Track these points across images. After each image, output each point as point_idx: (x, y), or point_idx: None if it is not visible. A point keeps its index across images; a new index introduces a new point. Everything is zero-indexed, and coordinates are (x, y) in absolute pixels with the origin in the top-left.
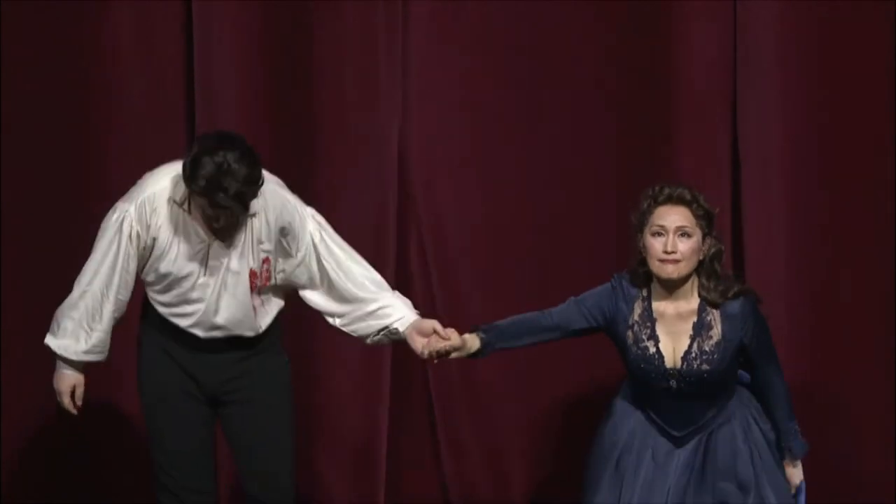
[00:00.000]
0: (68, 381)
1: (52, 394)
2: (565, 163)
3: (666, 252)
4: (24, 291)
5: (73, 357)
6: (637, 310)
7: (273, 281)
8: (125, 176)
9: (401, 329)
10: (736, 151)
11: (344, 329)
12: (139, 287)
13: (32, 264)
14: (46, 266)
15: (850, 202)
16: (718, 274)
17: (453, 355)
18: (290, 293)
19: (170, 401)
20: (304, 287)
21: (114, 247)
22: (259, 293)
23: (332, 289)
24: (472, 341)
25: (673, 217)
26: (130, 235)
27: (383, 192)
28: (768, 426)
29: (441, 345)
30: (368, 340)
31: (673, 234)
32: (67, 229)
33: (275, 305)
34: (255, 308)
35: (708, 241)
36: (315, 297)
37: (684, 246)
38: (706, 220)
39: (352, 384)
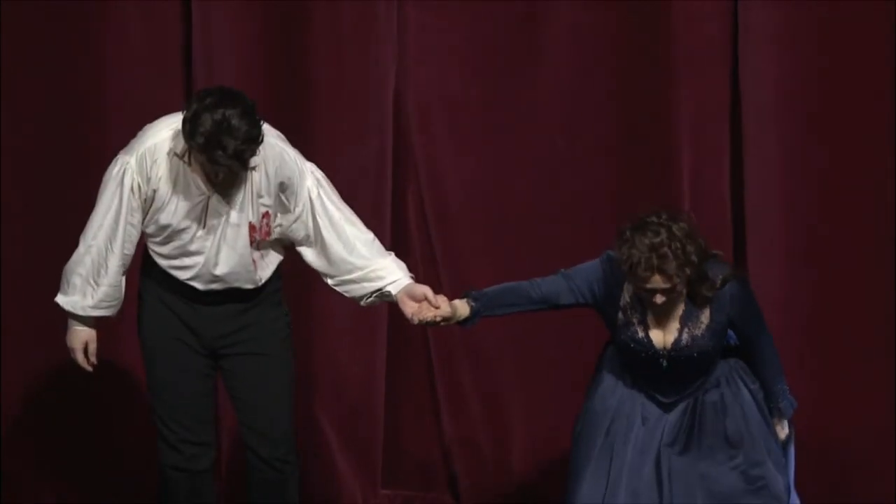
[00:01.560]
0: (81, 338)
1: (52, 362)
2: (565, 111)
3: (654, 304)
4: (25, 291)
5: (82, 312)
6: (627, 293)
7: (272, 236)
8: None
9: (393, 292)
10: (737, 138)
11: (337, 289)
12: (140, 240)
13: (31, 263)
14: (44, 264)
15: (850, 191)
16: (707, 277)
17: (442, 324)
18: (289, 246)
19: (169, 353)
20: (300, 244)
21: (116, 200)
22: (258, 247)
23: (324, 248)
24: (462, 308)
25: (654, 283)
26: (132, 188)
27: (381, 142)
28: (756, 385)
29: (430, 314)
30: (362, 302)
31: (659, 294)
32: (67, 230)
33: (274, 258)
34: (254, 261)
35: (693, 254)
36: (309, 255)
37: (671, 293)
38: (689, 267)
39: (349, 341)
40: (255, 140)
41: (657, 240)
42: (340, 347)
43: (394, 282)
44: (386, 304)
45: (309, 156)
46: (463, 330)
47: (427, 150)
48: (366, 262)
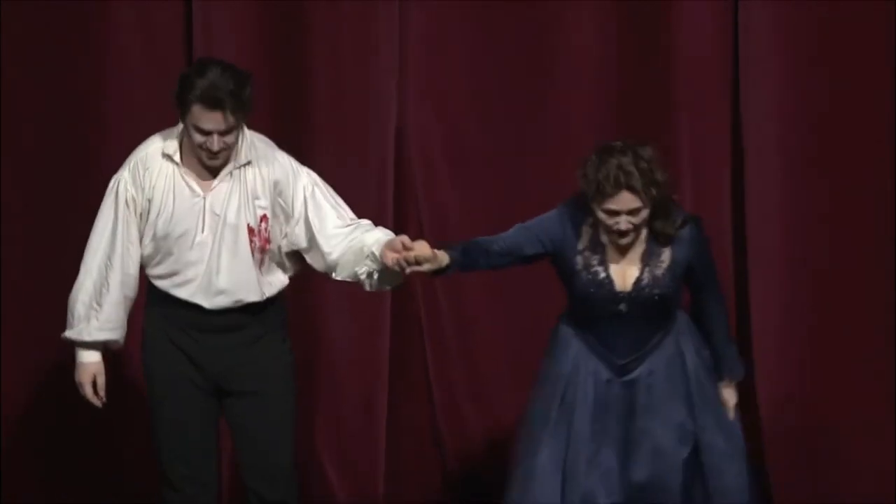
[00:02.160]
0: (89, 371)
1: (53, 386)
2: (568, 139)
3: (620, 231)
4: (25, 291)
5: (87, 337)
6: (585, 236)
7: (275, 245)
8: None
9: (376, 252)
10: (737, 139)
11: (344, 278)
12: (144, 278)
13: (31, 263)
14: (44, 264)
15: (851, 192)
16: (670, 214)
17: (425, 266)
18: (294, 270)
19: (173, 390)
20: (306, 250)
21: (111, 214)
22: (261, 258)
23: (320, 246)
24: (443, 257)
25: (623, 201)
26: (126, 200)
27: (382, 153)
28: (707, 352)
29: (410, 254)
30: (362, 278)
31: (625, 214)
32: (66, 230)
33: (278, 279)
34: (256, 272)
35: (658, 188)
36: (314, 261)
37: (636, 219)
38: (655, 187)
39: (349, 361)
40: (246, 82)
41: (624, 159)
42: (341, 367)
43: (374, 242)
44: (387, 322)
45: (309, 165)
46: (460, 341)
47: (426, 163)
48: (350, 238)
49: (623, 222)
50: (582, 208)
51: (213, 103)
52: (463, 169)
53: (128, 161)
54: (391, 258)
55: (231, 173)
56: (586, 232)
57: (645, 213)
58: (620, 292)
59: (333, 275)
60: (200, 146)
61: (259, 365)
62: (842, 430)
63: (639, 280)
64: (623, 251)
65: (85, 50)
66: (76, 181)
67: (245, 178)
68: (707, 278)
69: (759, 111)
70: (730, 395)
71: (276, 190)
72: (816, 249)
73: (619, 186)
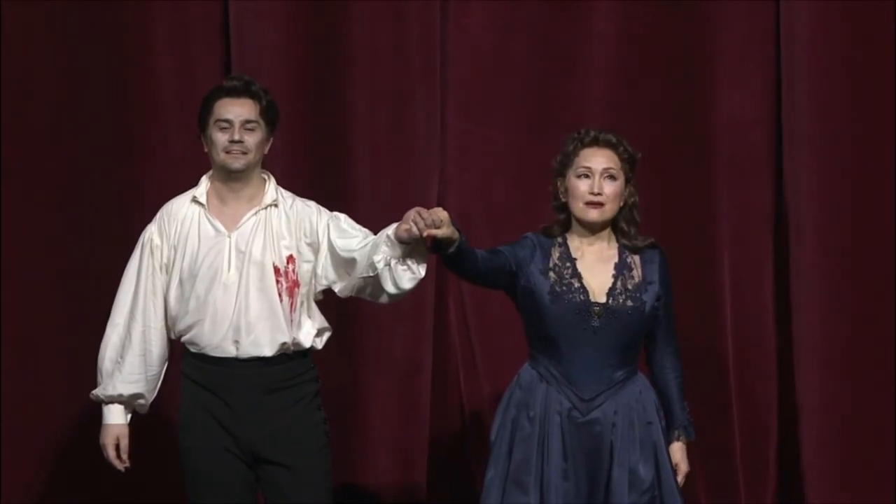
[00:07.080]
0: (112, 433)
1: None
2: None
3: (592, 193)
4: (25, 291)
5: (112, 391)
6: (555, 254)
7: (305, 288)
8: (164, 177)
9: (391, 235)
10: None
11: (368, 286)
12: (177, 345)
13: (31, 262)
14: (44, 263)
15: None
16: (637, 221)
17: (441, 230)
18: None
19: (209, 461)
20: (335, 281)
21: (135, 263)
22: (291, 302)
23: (345, 266)
24: (454, 232)
25: (599, 159)
26: (151, 249)
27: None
28: (663, 423)
29: (427, 215)
30: (379, 266)
31: (599, 176)
32: (99, 239)
33: (307, 331)
34: (285, 315)
35: (629, 187)
36: (341, 288)
37: (610, 188)
38: (630, 164)
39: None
40: (268, 91)
41: (605, 130)
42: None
43: (387, 230)
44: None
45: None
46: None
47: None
48: (368, 242)
49: (596, 185)
50: (549, 234)
51: (234, 92)
52: (502, 227)
53: (156, 215)
54: (405, 227)
55: (256, 213)
56: (556, 250)
57: (617, 187)
58: (595, 303)
59: (366, 295)
60: (224, 149)
61: (292, 435)
62: (842, 430)
63: (612, 289)
64: (595, 261)
65: (121, 58)
66: (79, 180)
67: (270, 218)
68: (667, 316)
69: (800, 217)
70: (682, 458)
71: (302, 228)
72: (863, 328)
73: (595, 141)
